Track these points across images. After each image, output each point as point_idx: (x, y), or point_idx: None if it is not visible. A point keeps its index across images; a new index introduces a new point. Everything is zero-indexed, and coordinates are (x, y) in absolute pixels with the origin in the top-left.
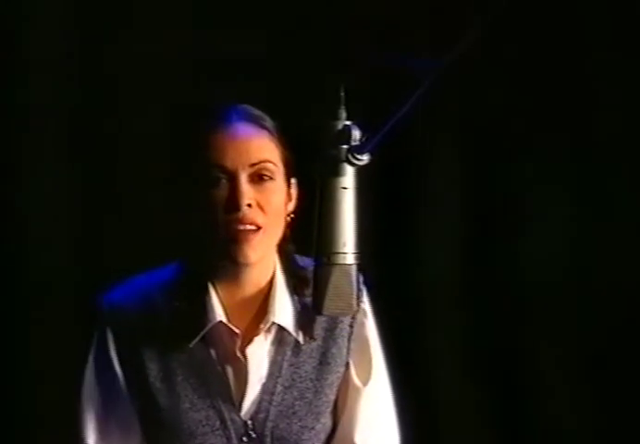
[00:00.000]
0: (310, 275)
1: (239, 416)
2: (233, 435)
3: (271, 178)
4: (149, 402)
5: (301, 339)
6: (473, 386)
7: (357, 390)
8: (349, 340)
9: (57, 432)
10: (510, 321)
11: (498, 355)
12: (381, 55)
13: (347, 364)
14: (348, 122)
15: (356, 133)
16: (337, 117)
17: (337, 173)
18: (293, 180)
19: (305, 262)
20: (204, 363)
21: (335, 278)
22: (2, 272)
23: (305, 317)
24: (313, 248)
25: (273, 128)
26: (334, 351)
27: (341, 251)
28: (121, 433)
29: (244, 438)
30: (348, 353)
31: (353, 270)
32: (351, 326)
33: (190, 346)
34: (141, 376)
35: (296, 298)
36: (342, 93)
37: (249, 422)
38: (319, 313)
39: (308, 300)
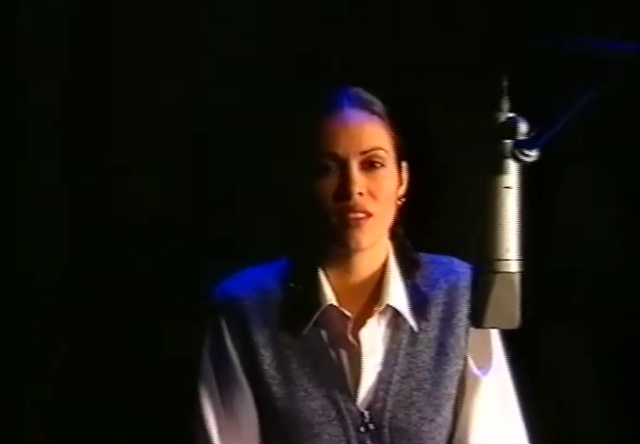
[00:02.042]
0: (420, 258)
1: (355, 406)
2: (350, 425)
3: (382, 165)
4: (264, 391)
5: (414, 324)
6: (598, 378)
7: (476, 380)
8: (467, 331)
9: (178, 423)
10: None
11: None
12: (562, 38)
13: (465, 357)
14: (512, 114)
15: (522, 126)
16: (499, 109)
17: (500, 171)
18: (404, 164)
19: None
20: (318, 350)
21: (497, 288)
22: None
23: (418, 302)
24: (475, 254)
25: (383, 112)
26: (451, 341)
27: (504, 257)
28: (241, 423)
29: (361, 429)
30: (466, 345)
31: (517, 279)
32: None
33: (304, 333)
34: (256, 365)
35: (409, 282)
36: (505, 82)
37: (365, 412)
38: (479, 326)
39: (420, 284)
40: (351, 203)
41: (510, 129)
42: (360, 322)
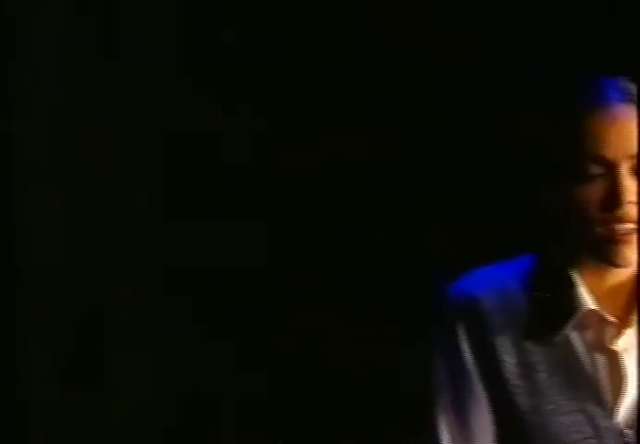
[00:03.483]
0: None
1: (614, 424)
2: None
3: None
4: (505, 402)
5: None
6: None
7: None
8: None
9: (409, 432)
10: None
11: None
12: None
13: None
14: None
15: None
16: None
17: None
18: None
19: None
20: (570, 359)
21: None
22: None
23: None
24: None
25: None
26: None
27: None
28: (475, 434)
29: None
30: None
31: None
32: None
33: (555, 339)
34: (496, 372)
35: None
36: None
37: (627, 431)
38: None
39: None
40: (621, 212)
41: None
42: (618, 328)
